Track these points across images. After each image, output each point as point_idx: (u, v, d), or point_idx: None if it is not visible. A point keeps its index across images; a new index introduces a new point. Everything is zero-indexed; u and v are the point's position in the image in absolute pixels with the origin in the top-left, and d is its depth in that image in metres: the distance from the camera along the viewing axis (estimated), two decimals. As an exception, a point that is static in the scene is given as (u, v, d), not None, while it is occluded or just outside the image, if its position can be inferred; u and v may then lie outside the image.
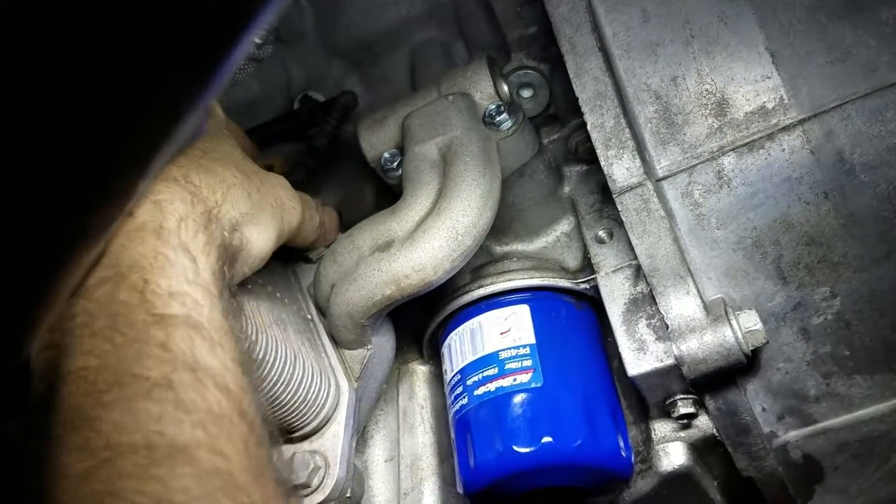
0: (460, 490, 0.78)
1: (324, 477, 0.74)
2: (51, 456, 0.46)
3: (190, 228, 0.56)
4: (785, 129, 0.71)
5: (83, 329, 0.49)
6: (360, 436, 0.85)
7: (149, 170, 0.38)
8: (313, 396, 0.74)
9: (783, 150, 0.71)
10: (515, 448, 0.73)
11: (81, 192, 0.35)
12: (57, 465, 0.46)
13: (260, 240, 0.67)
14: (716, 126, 0.74)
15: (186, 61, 0.32)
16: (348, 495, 0.76)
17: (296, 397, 0.72)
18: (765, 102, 0.72)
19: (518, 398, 0.76)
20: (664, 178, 0.75)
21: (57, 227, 0.36)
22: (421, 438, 0.86)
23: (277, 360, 0.70)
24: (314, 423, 0.76)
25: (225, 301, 0.56)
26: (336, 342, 0.81)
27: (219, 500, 0.45)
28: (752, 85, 0.73)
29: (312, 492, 0.74)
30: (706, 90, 0.75)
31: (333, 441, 0.76)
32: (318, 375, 0.76)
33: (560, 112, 1.01)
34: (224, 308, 0.55)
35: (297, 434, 0.76)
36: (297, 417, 0.74)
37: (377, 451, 0.87)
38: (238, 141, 0.74)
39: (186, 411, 0.47)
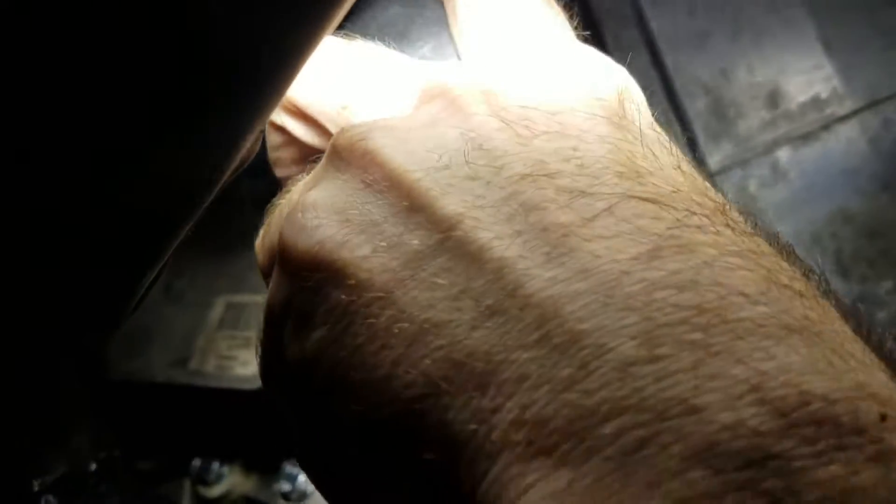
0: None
1: None
2: None
3: None
4: (840, 119, 0.70)
5: None
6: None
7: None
8: None
9: (839, 140, 0.70)
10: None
11: None
12: None
13: None
14: (769, 118, 0.73)
15: None
16: None
17: None
18: (818, 92, 0.71)
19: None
20: (717, 173, 0.75)
21: None
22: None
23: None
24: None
25: None
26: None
27: None
28: (805, 75, 0.72)
29: None
30: (757, 82, 0.74)
31: None
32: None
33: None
34: None
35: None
36: None
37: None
38: None
39: None
